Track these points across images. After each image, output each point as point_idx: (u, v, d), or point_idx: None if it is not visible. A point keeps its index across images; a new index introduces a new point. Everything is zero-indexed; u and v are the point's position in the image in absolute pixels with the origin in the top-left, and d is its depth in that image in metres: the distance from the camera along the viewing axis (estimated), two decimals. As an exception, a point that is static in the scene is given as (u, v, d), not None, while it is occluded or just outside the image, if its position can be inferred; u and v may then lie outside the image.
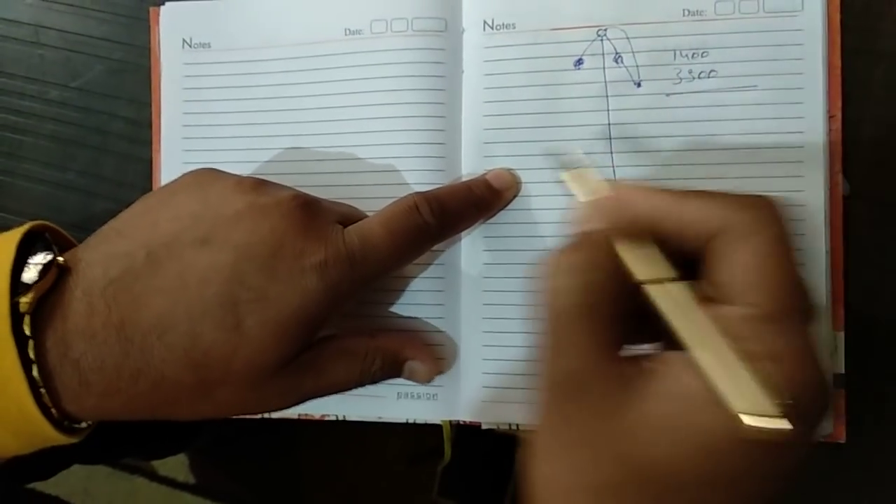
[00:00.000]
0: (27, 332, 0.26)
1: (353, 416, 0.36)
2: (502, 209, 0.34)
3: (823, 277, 0.32)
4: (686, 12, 0.33)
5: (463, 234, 0.34)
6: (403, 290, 0.35)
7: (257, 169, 0.36)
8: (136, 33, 0.39)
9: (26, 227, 0.28)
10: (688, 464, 0.21)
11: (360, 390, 0.31)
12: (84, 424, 0.29)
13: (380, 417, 0.36)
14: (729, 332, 0.21)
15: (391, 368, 0.32)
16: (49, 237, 0.29)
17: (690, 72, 0.33)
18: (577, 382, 0.23)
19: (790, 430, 0.20)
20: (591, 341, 0.23)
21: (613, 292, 0.23)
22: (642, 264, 0.23)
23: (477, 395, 0.34)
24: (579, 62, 0.34)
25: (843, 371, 0.32)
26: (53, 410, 0.27)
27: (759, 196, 0.23)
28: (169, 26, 0.38)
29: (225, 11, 0.37)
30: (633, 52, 0.33)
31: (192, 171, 0.31)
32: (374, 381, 0.32)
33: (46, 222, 0.30)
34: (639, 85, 0.33)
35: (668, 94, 0.33)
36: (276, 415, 0.35)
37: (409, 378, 0.33)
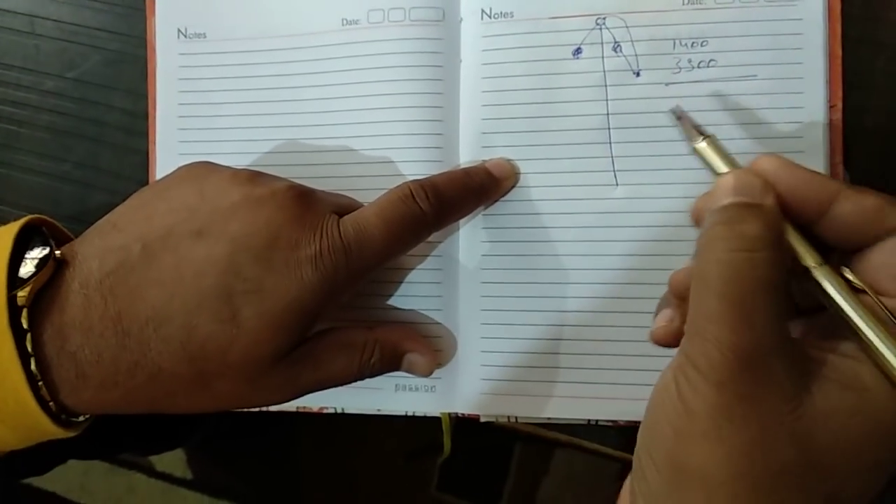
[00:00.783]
0: (25, 325, 0.26)
1: (351, 408, 0.36)
2: (500, 199, 0.34)
3: None
4: (685, 1, 0.33)
5: (461, 225, 0.34)
6: (402, 283, 0.35)
7: (253, 160, 0.36)
8: (132, 23, 0.38)
9: (23, 220, 0.28)
10: (863, 450, 0.22)
11: (358, 382, 0.31)
12: (82, 418, 0.29)
13: (378, 410, 0.35)
14: None
15: (390, 361, 0.32)
16: (46, 231, 0.29)
17: (690, 61, 0.33)
18: (761, 358, 0.22)
19: None
20: (778, 319, 0.22)
21: (786, 272, 0.23)
22: (804, 247, 0.24)
23: (475, 388, 0.34)
24: (578, 51, 0.33)
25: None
26: (51, 403, 0.27)
27: None
28: (164, 16, 0.37)
29: (221, 1, 0.37)
30: (632, 41, 0.33)
31: (187, 165, 0.31)
32: (372, 374, 0.32)
33: (43, 216, 0.30)
34: (638, 74, 0.33)
35: (667, 84, 0.33)
36: (274, 408, 0.35)
37: (408, 371, 0.33)
